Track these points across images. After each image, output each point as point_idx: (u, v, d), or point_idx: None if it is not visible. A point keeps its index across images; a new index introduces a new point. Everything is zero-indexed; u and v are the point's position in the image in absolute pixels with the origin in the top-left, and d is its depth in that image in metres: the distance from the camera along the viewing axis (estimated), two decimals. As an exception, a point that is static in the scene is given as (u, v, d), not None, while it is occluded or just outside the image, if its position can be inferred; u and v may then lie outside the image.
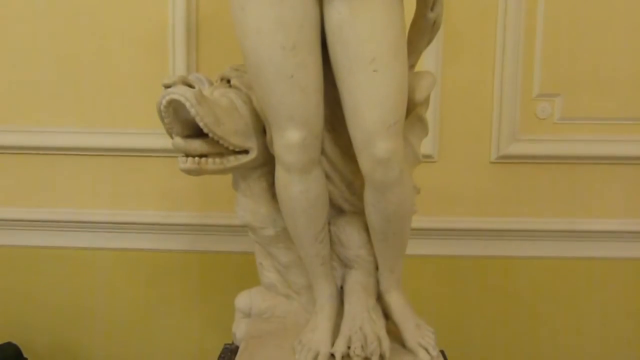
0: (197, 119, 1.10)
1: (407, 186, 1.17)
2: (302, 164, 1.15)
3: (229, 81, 1.28)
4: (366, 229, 1.28)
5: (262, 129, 1.25)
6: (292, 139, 1.13)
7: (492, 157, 1.90)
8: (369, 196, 1.18)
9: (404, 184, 1.15)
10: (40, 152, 1.94)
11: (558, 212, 1.91)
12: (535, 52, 1.86)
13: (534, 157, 1.89)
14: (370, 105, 1.08)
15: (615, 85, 1.87)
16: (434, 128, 1.85)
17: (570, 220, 1.91)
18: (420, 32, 1.21)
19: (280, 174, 1.18)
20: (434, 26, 1.21)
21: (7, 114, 1.93)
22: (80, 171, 1.95)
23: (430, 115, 1.49)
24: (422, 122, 1.31)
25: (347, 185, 1.29)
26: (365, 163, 1.12)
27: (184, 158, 1.15)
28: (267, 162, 1.27)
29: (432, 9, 1.17)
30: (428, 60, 1.80)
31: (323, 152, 1.23)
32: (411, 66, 1.25)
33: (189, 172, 1.16)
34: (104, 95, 1.90)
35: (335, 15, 1.08)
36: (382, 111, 1.08)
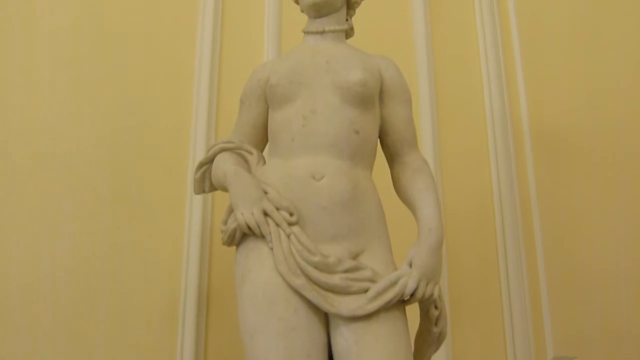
0: None
1: None
2: None
3: (237, 391, 1.27)
4: None
5: None
6: None
7: None
8: None
9: None
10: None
11: None
12: (543, 312, 1.88)
13: None
14: None
15: (629, 340, 1.84)
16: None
17: None
18: (427, 343, 1.22)
19: None
20: (439, 337, 1.22)
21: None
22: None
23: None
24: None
25: None
26: None
27: None
28: None
29: (436, 324, 1.19)
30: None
31: None
32: (420, 372, 1.25)
33: None
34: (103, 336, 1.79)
35: (342, 342, 1.10)
36: None
